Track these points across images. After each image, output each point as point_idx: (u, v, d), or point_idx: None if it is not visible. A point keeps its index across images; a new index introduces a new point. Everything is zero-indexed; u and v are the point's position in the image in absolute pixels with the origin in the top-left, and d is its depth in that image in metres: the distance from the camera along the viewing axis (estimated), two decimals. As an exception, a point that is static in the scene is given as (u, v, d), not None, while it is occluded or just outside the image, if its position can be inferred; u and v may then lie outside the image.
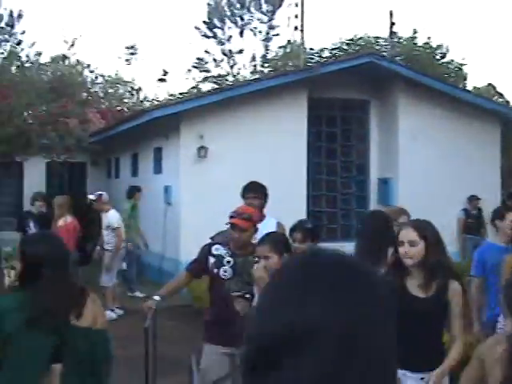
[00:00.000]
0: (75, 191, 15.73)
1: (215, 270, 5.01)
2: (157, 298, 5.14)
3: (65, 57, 20.43)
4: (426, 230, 4.03)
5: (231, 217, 4.93)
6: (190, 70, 32.48)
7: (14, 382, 3.25)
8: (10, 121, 13.35)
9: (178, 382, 6.69)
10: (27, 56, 24.85)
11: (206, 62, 32.29)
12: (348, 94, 13.76)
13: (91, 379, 3.45)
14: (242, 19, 32.43)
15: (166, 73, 30.74)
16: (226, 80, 30.18)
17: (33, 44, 26.54)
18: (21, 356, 3.22)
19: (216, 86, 28.91)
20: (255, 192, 5.94)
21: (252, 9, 32.16)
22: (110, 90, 30.53)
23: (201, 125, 12.40)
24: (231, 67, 31.73)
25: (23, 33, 27.78)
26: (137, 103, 30.83)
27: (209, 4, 32.52)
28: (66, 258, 3.55)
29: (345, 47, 27.21)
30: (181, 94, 32.03)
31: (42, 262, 3.31)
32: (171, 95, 31.88)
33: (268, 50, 31.39)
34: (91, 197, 10.66)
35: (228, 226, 4.99)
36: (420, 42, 27.65)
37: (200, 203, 11.97)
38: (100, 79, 30.76)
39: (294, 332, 1.01)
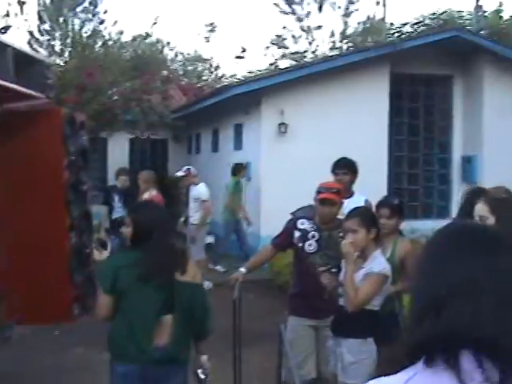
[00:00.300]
0: (157, 166, 16.10)
1: (300, 244, 5.06)
2: (243, 270, 5.24)
3: (147, 35, 20.71)
4: (498, 206, 3.80)
5: (319, 191, 4.96)
6: (268, 47, 32.38)
7: (128, 332, 3.64)
8: (96, 98, 13.71)
9: (262, 353, 6.83)
10: (109, 35, 25.33)
11: (285, 39, 32.09)
12: (431, 69, 13.49)
13: (194, 327, 3.85)
14: (321, -6, 31.99)
15: (244, 50, 30.80)
16: (305, 57, 29.96)
17: (115, 23, 26.99)
18: (134, 308, 3.65)
19: (294, 63, 28.73)
20: (345, 168, 5.93)
21: (331, -17, 31.70)
22: (189, 68, 30.88)
23: (281, 101, 12.43)
24: (310, 43, 31.40)
25: (106, 12, 28.26)
26: (215, 80, 31.07)
27: (288, -21, 32.22)
28: (169, 223, 4.10)
29: (427, 21, 26.56)
30: (259, 70, 32.04)
31: (149, 226, 3.75)
32: (249, 72, 31.95)
33: (347, 25, 30.93)
34: (179, 173, 10.89)
35: (316, 200, 5.01)
36: (506, 15, 26.72)
37: (280, 179, 12.03)
38: (179, 57, 31.13)
39: (452, 289, 1.25)
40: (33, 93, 5.34)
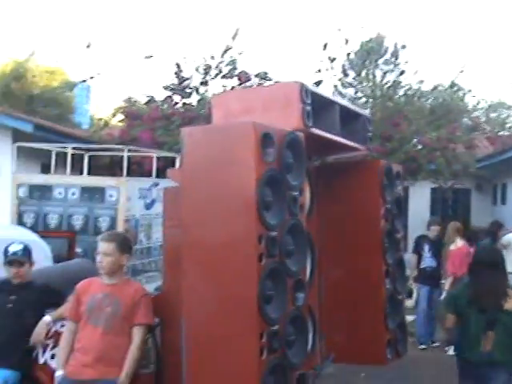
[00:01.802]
0: (459, 217, 15.81)
1: None
2: None
3: (453, 84, 20.68)
4: None
5: None
6: None
7: (466, 340, 5.19)
8: (401, 147, 14.01)
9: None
10: (409, 84, 25.72)
11: None
12: None
13: None
14: None
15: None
16: None
17: (415, 72, 27.30)
18: (466, 324, 5.14)
19: None
20: None
21: None
22: (492, 115, 29.95)
23: None
24: None
25: (406, 62, 28.79)
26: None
27: None
28: (496, 262, 5.25)
29: None
30: None
31: (479, 264, 5.27)
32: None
33: None
34: None
35: None
36: None
37: None
38: (481, 104, 30.38)
39: None
40: (356, 145, 5.71)
